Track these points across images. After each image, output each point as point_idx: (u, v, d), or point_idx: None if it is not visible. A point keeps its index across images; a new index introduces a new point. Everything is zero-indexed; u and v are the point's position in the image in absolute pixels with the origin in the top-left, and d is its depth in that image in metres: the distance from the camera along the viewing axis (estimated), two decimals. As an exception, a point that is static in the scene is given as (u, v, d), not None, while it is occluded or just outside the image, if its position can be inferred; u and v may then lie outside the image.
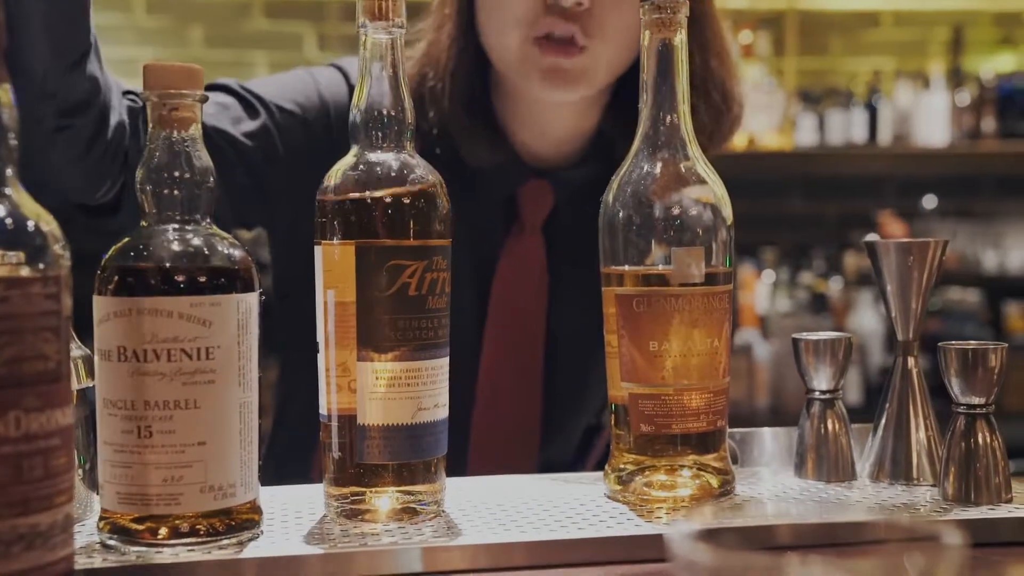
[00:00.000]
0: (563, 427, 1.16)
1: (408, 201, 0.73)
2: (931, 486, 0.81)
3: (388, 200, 0.73)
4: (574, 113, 1.11)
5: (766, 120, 3.15)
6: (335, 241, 0.73)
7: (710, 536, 0.40)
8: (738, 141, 3.10)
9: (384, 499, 0.73)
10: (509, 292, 1.12)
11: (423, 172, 0.75)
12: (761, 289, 3.13)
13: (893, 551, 0.38)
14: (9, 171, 0.56)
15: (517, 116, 1.11)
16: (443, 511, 0.75)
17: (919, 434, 0.82)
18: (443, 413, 0.75)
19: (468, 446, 1.09)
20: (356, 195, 0.73)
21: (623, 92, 1.09)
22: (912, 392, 0.83)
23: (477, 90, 1.08)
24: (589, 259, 1.12)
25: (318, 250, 0.74)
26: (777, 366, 2.95)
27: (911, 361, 0.83)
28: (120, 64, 3.10)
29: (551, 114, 1.10)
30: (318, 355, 0.75)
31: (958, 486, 0.77)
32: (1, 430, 0.53)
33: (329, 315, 0.74)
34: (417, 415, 0.73)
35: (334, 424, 0.74)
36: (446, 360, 0.75)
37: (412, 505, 0.73)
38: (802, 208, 3.36)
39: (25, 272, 0.54)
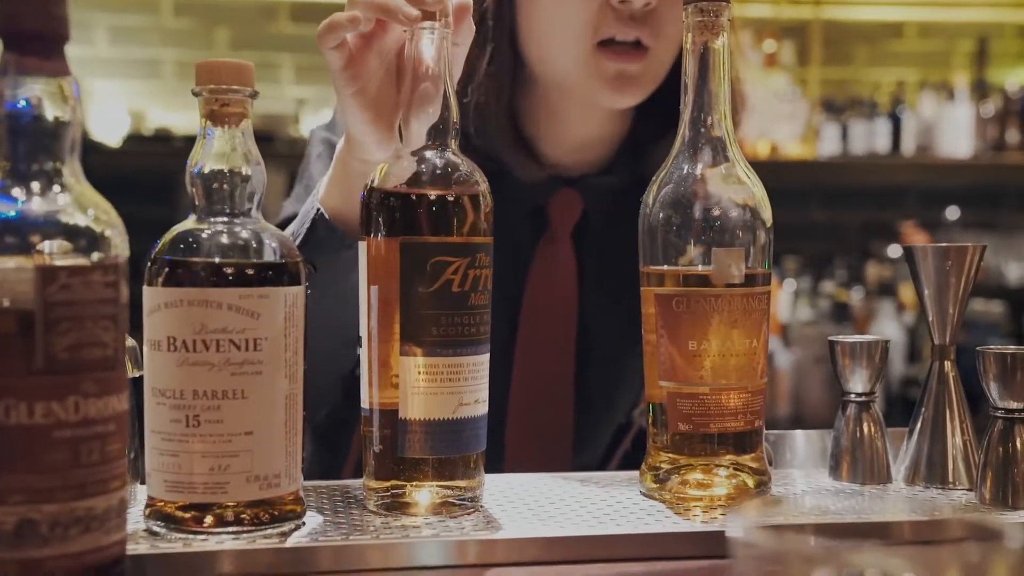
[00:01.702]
0: (595, 429, 1.17)
1: (452, 198, 0.74)
2: (967, 490, 0.82)
3: (432, 197, 0.74)
4: (602, 121, 1.11)
5: (789, 129, 3.15)
6: (379, 237, 0.74)
7: (766, 527, 0.40)
8: (761, 149, 3.11)
9: (424, 493, 0.74)
10: (541, 299, 1.13)
11: (468, 169, 0.76)
12: (783, 297, 3.13)
13: (952, 545, 0.38)
14: (72, 162, 0.57)
15: (543, 125, 1.11)
16: (482, 506, 0.76)
17: (955, 438, 0.82)
18: (483, 409, 0.76)
19: (503, 451, 1.10)
20: (401, 192, 0.74)
21: (652, 97, 1.10)
22: (949, 396, 0.83)
23: (515, 103, 1.09)
24: (619, 264, 1.12)
25: (362, 245, 0.75)
26: (798, 374, 2.95)
27: (948, 365, 0.84)
28: (145, 64, 3.13)
29: (578, 123, 1.11)
30: (360, 349, 0.76)
31: (995, 490, 0.77)
32: (61, 414, 0.54)
33: (372, 310, 0.75)
34: (458, 410, 0.74)
35: (375, 418, 0.75)
36: (487, 356, 0.76)
37: (451, 499, 0.74)
38: (824, 217, 3.36)
39: (86, 260, 0.55)
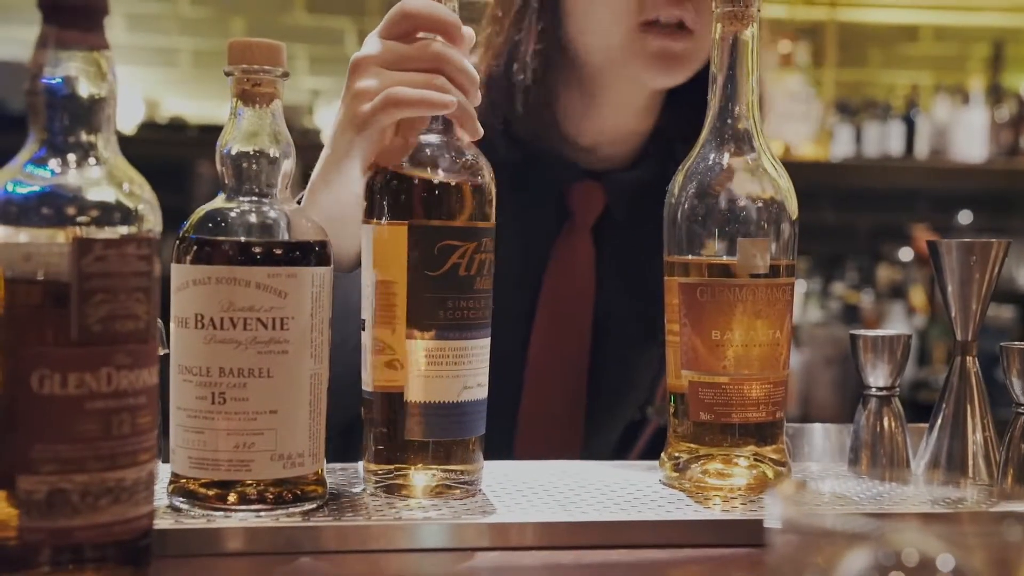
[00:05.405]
0: (606, 421, 1.17)
1: (455, 183, 0.74)
2: (987, 486, 0.81)
3: (436, 181, 0.74)
4: (634, 114, 1.12)
5: (803, 130, 3.15)
6: (383, 221, 0.74)
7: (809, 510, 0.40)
8: (774, 149, 3.10)
9: (424, 475, 0.74)
10: (559, 289, 1.13)
11: (472, 156, 0.76)
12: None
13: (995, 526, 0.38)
14: (107, 136, 0.57)
15: (579, 113, 1.12)
16: (480, 490, 0.76)
17: (976, 434, 0.82)
18: (483, 393, 0.76)
19: (514, 440, 1.11)
20: (404, 175, 0.74)
21: (679, 93, 1.10)
22: (970, 392, 0.83)
23: (552, 89, 1.09)
24: (637, 259, 1.13)
25: (366, 229, 0.75)
26: (808, 375, 2.95)
27: (969, 361, 0.84)
28: (161, 52, 3.13)
29: (613, 114, 1.11)
30: (362, 332, 0.76)
31: (1017, 486, 0.77)
32: (94, 385, 0.54)
33: (375, 294, 0.75)
34: (459, 393, 0.74)
35: (376, 401, 0.75)
36: (487, 341, 0.76)
37: (449, 482, 0.74)
38: (835, 219, 3.35)
39: (120, 233, 0.56)
